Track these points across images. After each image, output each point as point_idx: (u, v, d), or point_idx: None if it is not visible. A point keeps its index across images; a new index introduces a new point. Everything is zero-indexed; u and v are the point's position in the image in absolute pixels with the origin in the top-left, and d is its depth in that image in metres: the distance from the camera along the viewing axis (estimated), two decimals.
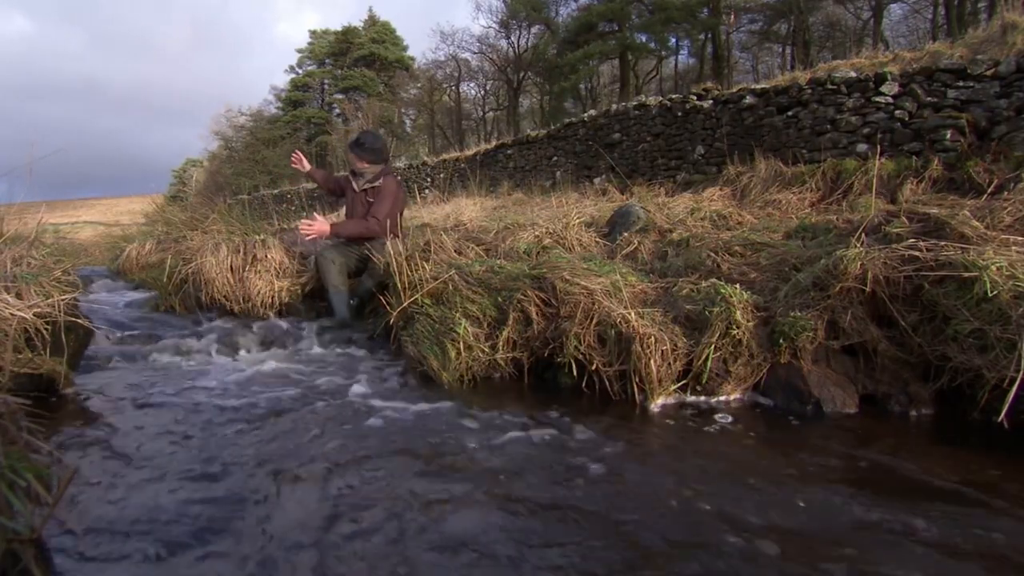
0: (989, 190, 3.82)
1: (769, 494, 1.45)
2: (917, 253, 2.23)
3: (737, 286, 2.38)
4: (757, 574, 1.13)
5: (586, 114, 9.19)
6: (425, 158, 14.34)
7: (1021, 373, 1.69)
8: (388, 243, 3.28)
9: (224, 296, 3.74)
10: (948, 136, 4.84)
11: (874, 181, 4.55)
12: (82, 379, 2.33)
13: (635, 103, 8.13)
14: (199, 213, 5.60)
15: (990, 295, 1.93)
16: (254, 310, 3.68)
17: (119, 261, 5.75)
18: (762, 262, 2.97)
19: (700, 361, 2.15)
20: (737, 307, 2.21)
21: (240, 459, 1.63)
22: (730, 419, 2.00)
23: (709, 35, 20.84)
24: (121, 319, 3.49)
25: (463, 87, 28.69)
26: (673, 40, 22.27)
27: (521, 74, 25.52)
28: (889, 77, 5.32)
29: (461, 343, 2.44)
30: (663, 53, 23.24)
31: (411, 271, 2.87)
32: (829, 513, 1.36)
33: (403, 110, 31.01)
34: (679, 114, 7.29)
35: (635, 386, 2.16)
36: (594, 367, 2.25)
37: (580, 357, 2.28)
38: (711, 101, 6.93)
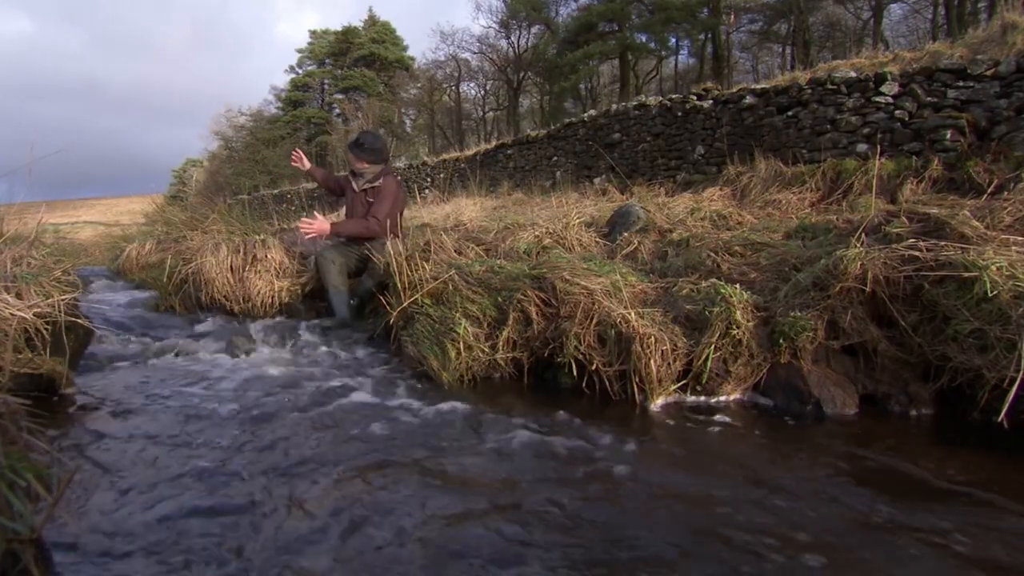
0: (989, 190, 3.82)
1: (769, 494, 1.45)
2: (917, 253, 2.23)
3: (737, 286, 2.38)
4: (757, 573, 1.13)
5: (586, 114, 9.19)
6: (425, 158, 14.34)
7: (1021, 373, 1.69)
8: (388, 243, 3.28)
9: (224, 296, 3.74)
10: (948, 136, 4.84)
11: (874, 181, 4.55)
12: (82, 379, 2.33)
13: (635, 103, 8.13)
14: (199, 213, 5.60)
15: (990, 295, 1.93)
16: (254, 310, 3.68)
17: (119, 261, 5.75)
18: (762, 262, 2.97)
19: (700, 361, 2.15)
20: (737, 307, 2.21)
21: (240, 460, 1.63)
22: (730, 419, 2.00)
23: (709, 35, 20.84)
24: (121, 319, 3.49)
25: (463, 87, 28.73)
26: (673, 40, 22.28)
27: (521, 74, 25.52)
28: (889, 77, 5.32)
29: (461, 343, 2.44)
30: (663, 53, 23.24)
31: (411, 271, 2.87)
32: (829, 513, 1.36)
33: (403, 110, 31.02)
34: (679, 114, 7.29)
35: (635, 386, 2.16)
36: (594, 367, 2.25)
37: (580, 357, 2.28)
38: (711, 101, 6.93)
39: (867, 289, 2.21)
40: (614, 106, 8.88)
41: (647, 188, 7.05)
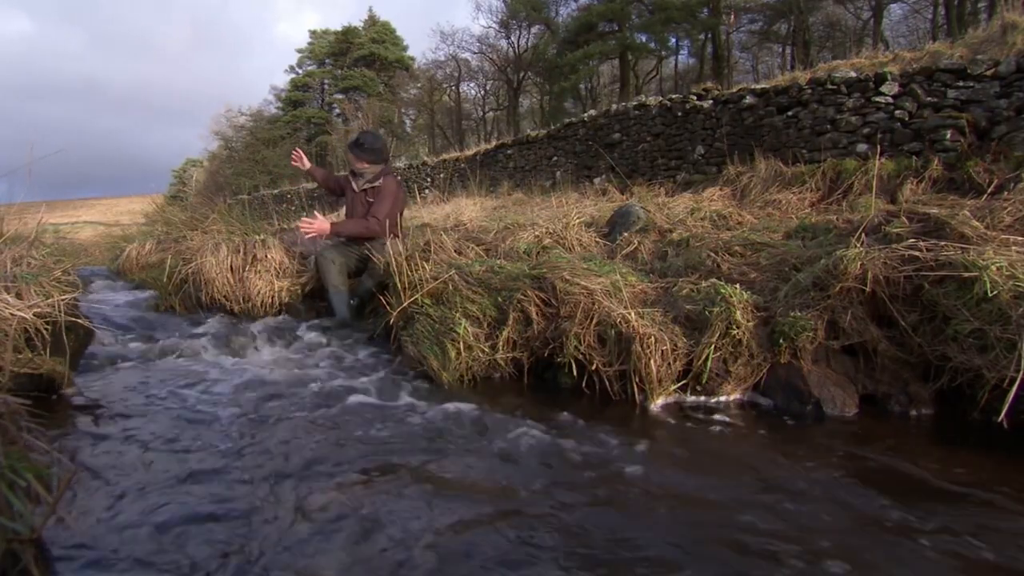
0: (989, 190, 3.82)
1: (770, 494, 1.45)
2: (917, 253, 2.23)
3: (737, 286, 2.38)
4: (758, 573, 1.13)
5: (586, 114, 9.19)
6: (425, 158, 14.34)
7: (1021, 373, 1.69)
8: (388, 243, 3.28)
9: (224, 296, 3.74)
10: (948, 136, 4.84)
11: (874, 181, 4.55)
12: (82, 379, 2.33)
13: (635, 103, 8.13)
14: (199, 213, 5.60)
15: (990, 295, 1.93)
16: (254, 310, 3.68)
17: (119, 261, 5.75)
18: (762, 262, 2.97)
19: (700, 361, 2.15)
20: (737, 307, 2.21)
21: (240, 461, 1.63)
22: (730, 419, 2.00)
23: (709, 35, 20.83)
24: (121, 319, 3.48)
25: (463, 87, 28.72)
26: (673, 40, 22.28)
27: (521, 74, 25.52)
28: (889, 77, 5.32)
29: (461, 343, 2.44)
30: (663, 53, 23.24)
31: (411, 271, 2.87)
32: (829, 513, 1.36)
33: (403, 110, 31.02)
34: (679, 114, 7.29)
35: (635, 386, 2.16)
36: (594, 367, 2.25)
37: (580, 357, 2.28)
38: (711, 101, 6.93)
39: (867, 289, 2.21)
40: (614, 106, 8.88)
41: (647, 188, 7.05)
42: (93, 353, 2.62)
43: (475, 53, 26.69)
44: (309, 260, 3.93)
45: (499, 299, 2.60)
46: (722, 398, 2.16)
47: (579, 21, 22.01)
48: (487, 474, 1.57)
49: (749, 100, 6.40)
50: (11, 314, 1.89)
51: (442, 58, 27.42)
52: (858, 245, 2.38)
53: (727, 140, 6.48)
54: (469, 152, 12.75)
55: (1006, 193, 3.65)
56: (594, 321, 2.32)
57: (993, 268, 1.99)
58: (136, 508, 1.36)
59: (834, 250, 2.51)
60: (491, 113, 29.40)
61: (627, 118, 8.11)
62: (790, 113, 5.95)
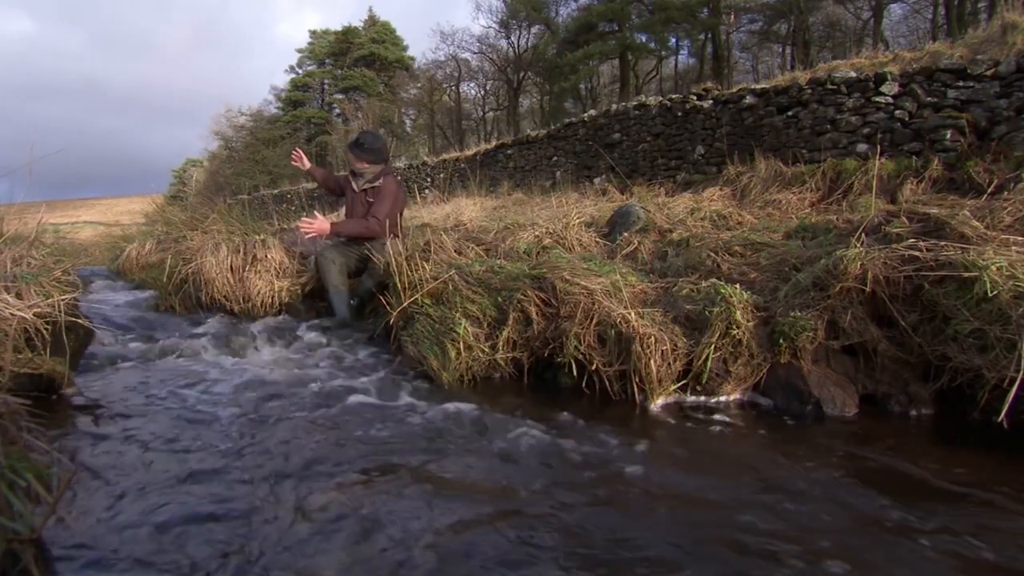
0: (989, 190, 3.82)
1: (770, 494, 1.45)
2: (917, 253, 2.23)
3: (737, 286, 2.38)
4: (758, 573, 1.13)
5: (586, 114, 9.19)
6: (425, 158, 14.34)
7: (1021, 373, 1.69)
8: (388, 243, 3.28)
9: (224, 296, 3.74)
10: (948, 136, 4.84)
11: (874, 181, 4.55)
12: (82, 379, 2.33)
13: (635, 103, 8.13)
14: (199, 213, 5.60)
15: (990, 295, 1.93)
16: (254, 310, 3.68)
17: (119, 261, 5.75)
18: (762, 262, 2.97)
19: (700, 361, 2.15)
20: (737, 307, 2.21)
21: (240, 461, 1.63)
22: (730, 419, 2.00)
23: (709, 35, 20.83)
24: (121, 319, 3.48)
25: (463, 87, 28.72)
26: (673, 40, 22.28)
27: (521, 74, 25.52)
28: (889, 77, 5.32)
29: (461, 343, 2.44)
30: (663, 53, 23.24)
31: (411, 271, 2.87)
32: (829, 513, 1.36)
33: (403, 110, 31.02)
34: (679, 114, 7.29)
35: (635, 386, 2.16)
36: (594, 367, 2.25)
37: (580, 357, 2.28)
38: (711, 101, 6.93)
39: (867, 289, 2.21)
40: (614, 106, 8.88)
41: (647, 188, 7.05)
42: (93, 353, 2.62)
43: (475, 53, 26.72)
44: (309, 260, 3.93)
45: (499, 299, 2.60)
46: (722, 398, 2.16)
47: (579, 21, 22.01)
48: (487, 474, 1.57)
49: (749, 100, 6.40)
50: (11, 314, 1.89)
51: (442, 58, 27.45)
52: (858, 245, 2.38)
53: (727, 140, 6.48)
54: (469, 152, 12.75)
55: (1006, 193, 3.65)
56: (594, 321, 2.32)
57: (993, 268, 1.99)
58: (136, 508, 1.36)
59: (834, 250, 2.51)
60: (491, 113, 29.40)
61: (627, 118, 8.11)
62: (790, 113, 5.95)
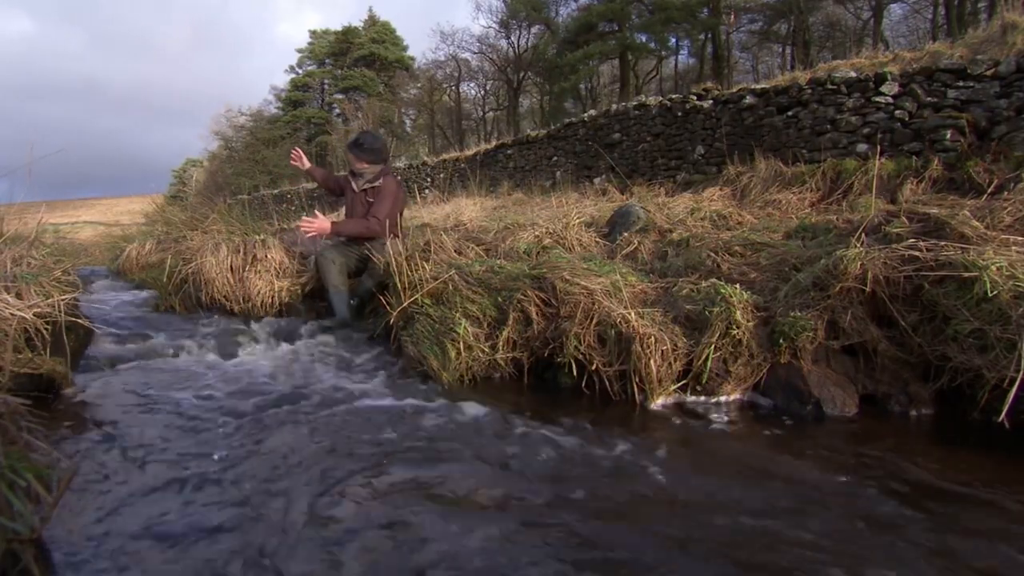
0: (989, 190, 3.82)
1: (770, 494, 1.45)
2: (917, 253, 2.23)
3: (737, 286, 2.38)
4: (758, 573, 1.13)
5: (586, 114, 9.19)
6: (425, 158, 14.34)
7: (1021, 373, 1.69)
8: (388, 243, 3.28)
9: (224, 296, 3.74)
10: (948, 136, 4.84)
11: (874, 181, 4.55)
12: (82, 379, 2.33)
13: (635, 103, 8.13)
14: (199, 213, 5.60)
15: (990, 295, 1.93)
16: (254, 310, 3.68)
17: (119, 261, 5.75)
18: (762, 262, 2.97)
19: (700, 361, 2.15)
20: (737, 307, 2.21)
21: (240, 462, 1.63)
22: (730, 419, 2.00)
23: (709, 35, 20.83)
24: (121, 319, 3.48)
25: (463, 87, 28.72)
26: (673, 40, 22.27)
27: (521, 74, 25.52)
28: (889, 77, 5.32)
29: (461, 343, 2.44)
30: (663, 53, 23.24)
31: (411, 271, 2.87)
32: (829, 512, 1.36)
33: (403, 110, 31.02)
34: (679, 114, 7.29)
35: (635, 386, 2.16)
36: (594, 367, 2.25)
37: (580, 357, 2.28)
38: (711, 101, 6.93)
39: (867, 289, 2.21)
40: (614, 106, 8.88)
41: (647, 188, 7.05)
42: (93, 353, 2.62)
43: (475, 53, 26.71)
44: (309, 260, 3.93)
45: (499, 299, 2.60)
46: (722, 398, 2.16)
47: (579, 21, 22.01)
48: (486, 474, 1.57)
49: (749, 100, 6.40)
50: (11, 314, 1.89)
51: (442, 58, 27.44)
52: (858, 245, 2.38)
53: (727, 140, 6.48)
54: (469, 152, 12.75)
55: (1006, 193, 3.65)
56: (594, 321, 2.32)
57: (993, 268, 1.99)
58: (136, 508, 1.36)
59: (834, 250, 2.51)
60: (491, 113, 29.40)
61: (627, 118, 8.11)
62: (790, 113, 5.95)
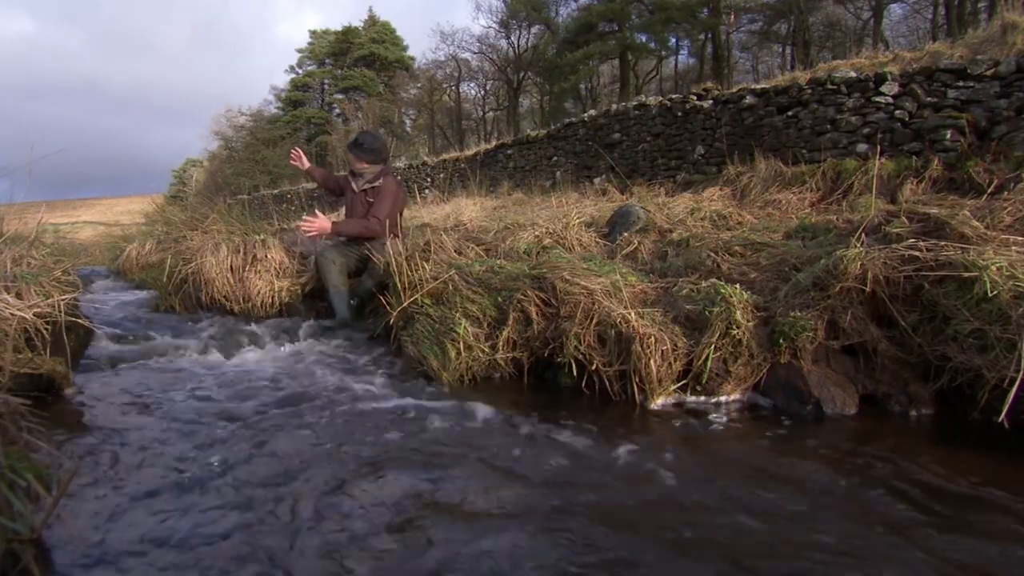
0: (989, 190, 3.82)
1: (769, 494, 1.45)
2: (917, 253, 2.23)
3: (737, 286, 2.38)
4: (758, 573, 1.13)
5: (586, 114, 9.19)
6: (425, 158, 14.34)
7: (1021, 373, 1.69)
8: (388, 243, 3.28)
9: (224, 296, 3.74)
10: (948, 136, 4.84)
11: (874, 181, 4.55)
12: (82, 379, 2.33)
13: (635, 103, 8.13)
14: (199, 213, 5.61)
15: (990, 295, 1.93)
16: (254, 310, 3.68)
17: (119, 261, 5.76)
18: (762, 262, 2.97)
19: (700, 361, 2.15)
20: (737, 307, 2.21)
21: (240, 462, 1.63)
22: (730, 419, 2.00)
23: (709, 35, 20.84)
24: (121, 319, 3.49)
25: (463, 87, 28.73)
26: (673, 40, 22.28)
27: (521, 74, 25.52)
28: (889, 77, 5.32)
29: (461, 343, 2.44)
30: (663, 53, 23.25)
31: (411, 271, 2.87)
32: (829, 513, 1.36)
33: (403, 110, 31.02)
34: (679, 114, 7.30)
35: (635, 386, 2.16)
36: (594, 367, 2.25)
37: (580, 357, 2.28)
38: (711, 101, 6.93)
39: (867, 289, 2.21)
40: (614, 106, 8.88)
41: (647, 188, 7.05)
42: (93, 353, 2.62)
43: (475, 53, 26.72)
44: (309, 260, 3.93)
45: (499, 299, 2.60)
46: (722, 398, 2.16)
47: (579, 21, 22.01)
48: (489, 476, 1.57)
49: (749, 100, 6.41)
50: (11, 314, 1.89)
51: (442, 58, 27.45)
52: (858, 245, 2.38)
53: (727, 140, 6.48)
54: (469, 152, 12.75)
55: (1006, 193, 3.65)
56: (594, 321, 2.32)
57: (993, 268, 1.99)
58: (137, 509, 1.36)
59: (834, 250, 2.51)
60: (491, 113, 29.40)
61: (627, 118, 8.12)
62: (790, 113, 5.95)
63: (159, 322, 3.50)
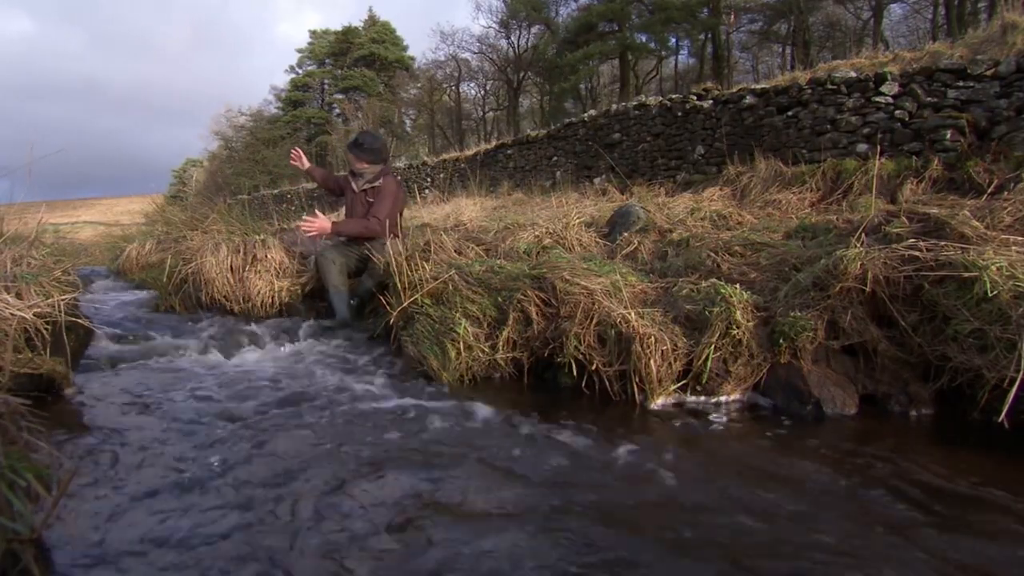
0: (989, 190, 3.82)
1: (769, 494, 1.45)
2: (917, 253, 2.23)
3: (737, 286, 2.38)
4: (759, 573, 1.13)
5: (586, 114, 9.19)
6: (425, 158, 14.34)
7: (1021, 373, 1.68)
8: (388, 243, 3.28)
9: (224, 296, 3.74)
10: (948, 136, 4.84)
11: (874, 181, 4.55)
12: (82, 379, 2.33)
13: (635, 103, 8.13)
14: (199, 213, 5.61)
15: (990, 295, 1.93)
16: (254, 310, 3.68)
17: (119, 261, 5.77)
18: (762, 262, 2.97)
19: (700, 361, 2.15)
20: (737, 307, 2.21)
21: (240, 462, 1.63)
22: (730, 419, 2.00)
23: (709, 35, 20.84)
24: (121, 319, 3.49)
25: (463, 87, 28.73)
26: (673, 40, 22.28)
27: (521, 74, 25.52)
28: (889, 77, 5.32)
29: (461, 343, 2.44)
30: (663, 53, 23.25)
31: (411, 271, 2.87)
32: (829, 513, 1.36)
33: (403, 110, 31.03)
34: (679, 114, 7.29)
35: (635, 386, 2.16)
36: (594, 367, 2.25)
37: (580, 357, 2.28)
38: (711, 101, 6.93)
39: (867, 289, 2.21)
40: (614, 106, 8.88)
41: (647, 188, 7.05)
42: (93, 353, 2.62)
43: (475, 53, 26.72)
44: (309, 260, 3.93)
45: (499, 299, 2.60)
46: (722, 398, 2.16)
47: (579, 21, 22.01)
48: (489, 476, 1.57)
49: (749, 100, 6.40)
50: (11, 314, 1.89)
51: (442, 58, 27.45)
52: (858, 245, 2.38)
53: (727, 140, 6.48)
54: (469, 152, 12.75)
55: (1006, 193, 3.65)
56: (594, 321, 2.32)
57: (993, 268, 1.99)
58: (136, 508, 1.36)
59: (834, 250, 2.51)
60: (491, 113, 29.40)
61: (627, 118, 8.12)
62: (790, 113, 5.95)
63: (159, 322, 3.50)
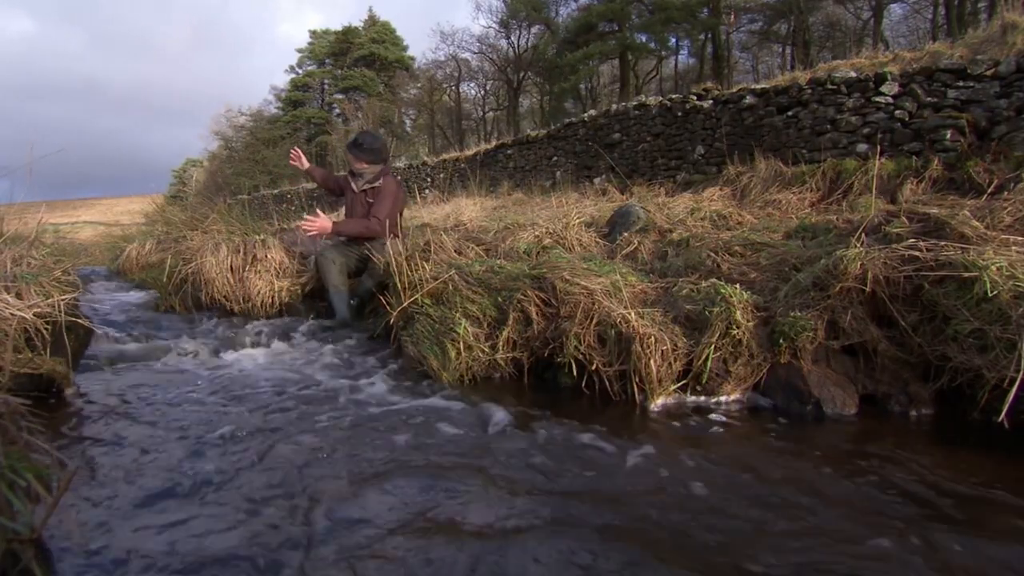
0: (989, 190, 3.82)
1: (769, 494, 1.45)
2: (917, 253, 2.23)
3: (737, 286, 2.38)
4: (760, 573, 1.13)
5: (586, 114, 9.19)
6: (425, 158, 14.34)
7: (1021, 373, 1.68)
8: (388, 243, 3.28)
9: (224, 296, 3.74)
10: (948, 136, 4.84)
11: (874, 181, 4.56)
12: (82, 379, 2.33)
13: (635, 103, 8.13)
14: (199, 213, 5.61)
15: (990, 295, 1.93)
16: (254, 310, 3.68)
17: (119, 261, 5.77)
18: (762, 262, 2.97)
19: (700, 361, 2.15)
20: (737, 307, 2.21)
21: (240, 463, 1.63)
22: (730, 419, 2.00)
23: (709, 35, 20.84)
24: (121, 319, 3.49)
25: (463, 87, 28.74)
26: (673, 40, 22.29)
27: (521, 74, 25.53)
28: (889, 77, 5.32)
29: (461, 343, 2.44)
30: (663, 53, 23.25)
31: (411, 271, 2.87)
32: (829, 512, 1.36)
33: (403, 110, 31.03)
34: (679, 114, 7.30)
35: (635, 386, 2.16)
36: (594, 367, 2.25)
37: (580, 357, 2.28)
38: (711, 101, 6.93)
39: (867, 289, 2.21)
40: (614, 106, 8.88)
41: (647, 188, 7.05)
42: (93, 353, 2.62)
43: (475, 53, 26.74)
44: (309, 260, 3.93)
45: (499, 299, 2.60)
46: (722, 398, 2.16)
47: (579, 21, 22.02)
48: (486, 474, 1.57)
49: (749, 100, 6.41)
50: (11, 314, 1.89)
51: (442, 58, 27.47)
52: (858, 245, 2.38)
53: (727, 140, 6.48)
54: (469, 152, 12.75)
55: (1006, 193, 3.65)
56: (594, 321, 2.32)
57: (993, 268, 1.99)
58: (136, 508, 1.36)
59: (834, 250, 2.51)
60: (491, 113, 29.40)
61: (627, 118, 8.12)
62: (790, 113, 5.95)
63: (159, 322, 3.50)
